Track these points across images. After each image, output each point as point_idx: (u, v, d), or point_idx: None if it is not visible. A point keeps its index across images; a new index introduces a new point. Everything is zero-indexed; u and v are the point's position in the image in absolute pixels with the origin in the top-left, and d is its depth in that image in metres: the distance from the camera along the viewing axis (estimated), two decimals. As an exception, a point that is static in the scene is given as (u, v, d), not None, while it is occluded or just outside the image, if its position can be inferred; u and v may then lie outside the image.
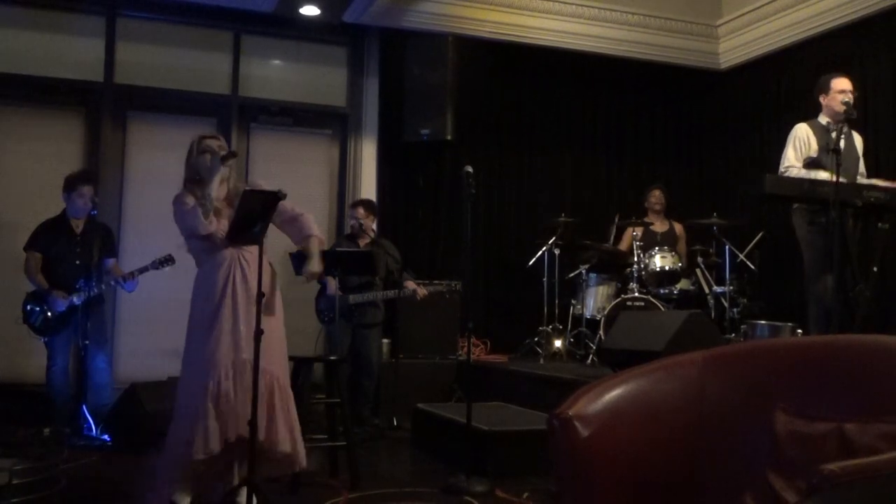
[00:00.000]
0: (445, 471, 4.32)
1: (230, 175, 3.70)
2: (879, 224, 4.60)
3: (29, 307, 5.20)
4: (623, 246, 6.99)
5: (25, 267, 5.27)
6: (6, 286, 5.87)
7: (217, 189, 3.54)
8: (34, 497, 3.29)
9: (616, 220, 7.02)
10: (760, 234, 6.53)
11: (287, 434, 3.48)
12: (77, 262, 5.22)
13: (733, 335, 5.98)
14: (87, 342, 5.16)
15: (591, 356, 6.31)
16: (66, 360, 5.23)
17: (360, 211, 6.01)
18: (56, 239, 5.27)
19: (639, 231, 6.70)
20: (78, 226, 5.34)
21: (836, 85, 4.89)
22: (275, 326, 3.60)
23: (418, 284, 5.88)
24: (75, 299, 5.13)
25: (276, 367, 3.52)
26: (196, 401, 3.31)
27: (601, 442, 2.01)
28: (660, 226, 7.06)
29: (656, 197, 7.12)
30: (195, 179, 3.61)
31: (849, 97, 4.80)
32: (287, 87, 7.12)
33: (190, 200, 3.52)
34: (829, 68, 5.33)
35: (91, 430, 5.10)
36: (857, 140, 5.01)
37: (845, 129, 4.67)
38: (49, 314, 5.13)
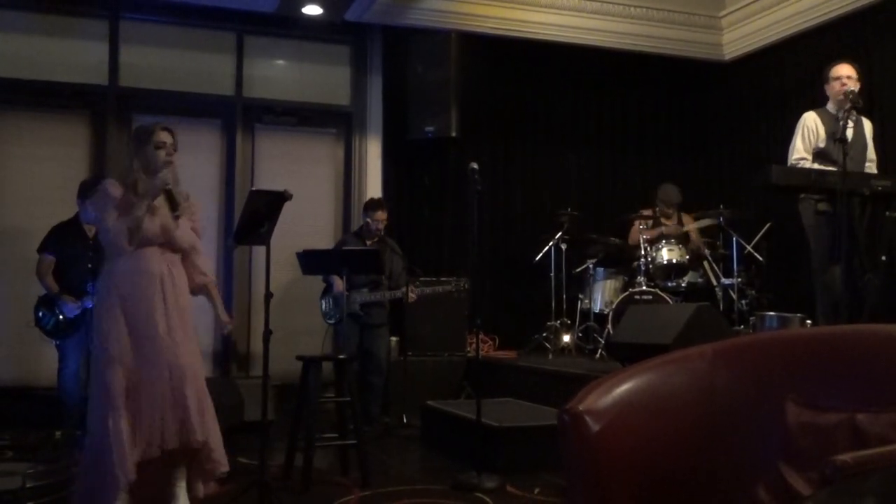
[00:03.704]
0: (456, 467, 4.33)
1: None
2: (888, 213, 4.59)
3: (41, 311, 5.21)
4: (632, 238, 6.95)
5: (37, 269, 5.29)
6: (14, 289, 5.90)
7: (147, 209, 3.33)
8: (47, 500, 3.30)
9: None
10: (768, 225, 6.51)
11: (218, 439, 3.39)
12: (89, 265, 5.23)
13: (742, 327, 5.96)
14: (97, 345, 5.18)
15: (599, 350, 6.30)
16: (78, 363, 5.24)
17: (383, 213, 5.97)
18: (69, 242, 5.28)
19: (647, 225, 6.68)
20: (90, 230, 5.35)
21: (834, 72, 4.89)
22: (188, 320, 3.48)
23: (413, 285, 5.87)
24: (87, 303, 5.14)
25: (199, 367, 3.43)
26: (111, 419, 3.16)
27: (611, 436, 2.00)
28: (668, 220, 7.00)
29: (667, 192, 6.97)
30: (134, 171, 3.40)
31: (846, 82, 4.79)
32: (291, 87, 7.12)
33: (116, 194, 3.33)
34: (835, 57, 5.30)
35: (102, 432, 5.11)
36: (867, 127, 4.99)
37: (853, 117, 4.66)
38: (61, 317, 5.15)
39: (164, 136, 3.45)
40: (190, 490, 3.43)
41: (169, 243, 3.43)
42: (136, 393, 3.23)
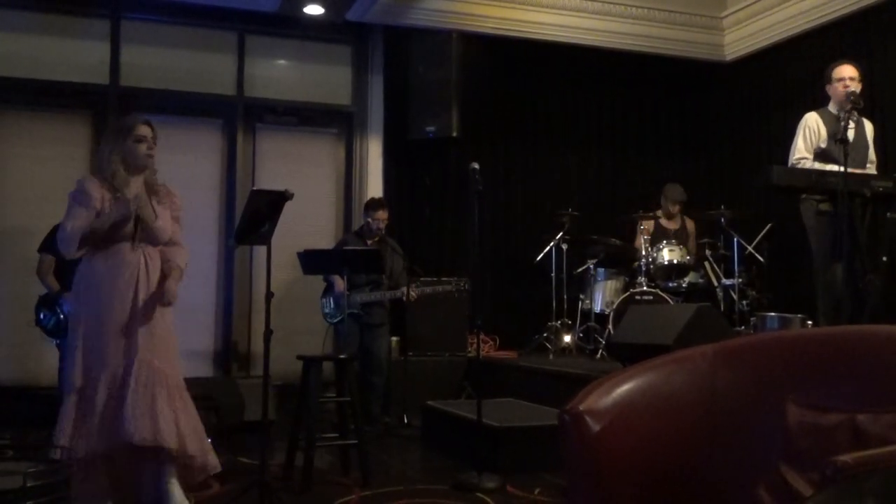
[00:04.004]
0: (456, 468, 4.33)
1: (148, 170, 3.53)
2: (889, 213, 4.59)
3: (42, 310, 5.22)
4: (637, 243, 6.91)
5: (38, 268, 5.29)
6: (16, 289, 5.90)
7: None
8: (48, 499, 3.30)
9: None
10: (769, 226, 6.51)
11: (193, 435, 3.38)
12: None
13: (743, 328, 5.96)
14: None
15: (600, 351, 6.31)
16: (78, 363, 5.25)
17: (384, 213, 5.97)
18: None
19: (649, 225, 6.68)
20: None
21: (837, 73, 4.88)
22: (167, 322, 3.48)
23: (414, 285, 5.88)
24: None
25: (169, 366, 3.42)
26: (75, 405, 3.27)
27: (612, 436, 2.00)
28: (671, 222, 7.01)
29: (679, 193, 6.97)
30: (113, 163, 3.42)
31: (849, 84, 4.79)
32: (292, 87, 7.12)
33: (95, 194, 3.34)
34: (836, 58, 5.31)
35: (103, 431, 5.11)
36: (868, 128, 4.99)
37: (854, 118, 4.66)
38: (62, 316, 5.15)
39: (145, 130, 3.49)
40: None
41: (148, 237, 3.44)
42: (89, 389, 3.29)
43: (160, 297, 3.44)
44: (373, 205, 6.04)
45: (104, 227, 3.33)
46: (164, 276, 3.50)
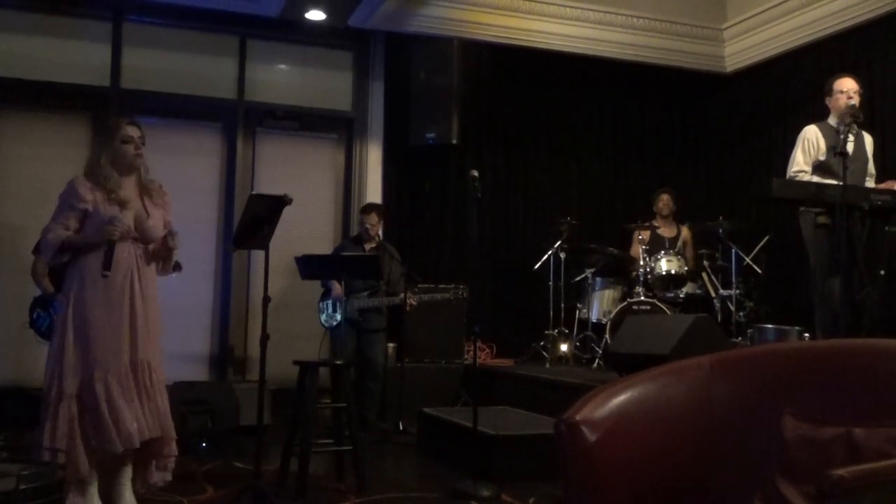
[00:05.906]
0: (452, 475, 4.32)
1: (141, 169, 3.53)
2: (887, 227, 4.59)
3: (36, 312, 5.20)
4: (634, 251, 6.94)
5: (33, 270, 5.27)
6: (13, 291, 5.89)
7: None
8: (41, 502, 3.29)
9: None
10: (766, 238, 6.51)
11: (170, 431, 3.44)
12: None
13: (740, 339, 5.97)
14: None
15: (597, 360, 6.30)
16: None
17: (374, 217, 6.00)
18: None
19: (645, 235, 6.69)
20: None
21: (838, 85, 4.89)
22: (157, 317, 3.52)
23: (412, 292, 5.87)
24: None
25: (157, 361, 3.45)
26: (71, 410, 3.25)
27: (608, 446, 2.00)
28: (667, 231, 7.03)
29: (664, 201, 7.09)
30: (103, 166, 3.41)
31: (851, 96, 4.80)
32: (293, 92, 7.13)
33: (85, 195, 3.35)
34: (836, 71, 5.32)
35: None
36: (868, 141, 4.99)
37: (854, 131, 4.66)
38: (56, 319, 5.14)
39: (131, 131, 3.48)
40: (136, 482, 3.47)
41: (141, 236, 3.45)
42: (87, 395, 3.26)
43: (154, 295, 3.48)
44: (365, 209, 6.12)
45: (79, 245, 3.35)
46: (164, 270, 3.60)
